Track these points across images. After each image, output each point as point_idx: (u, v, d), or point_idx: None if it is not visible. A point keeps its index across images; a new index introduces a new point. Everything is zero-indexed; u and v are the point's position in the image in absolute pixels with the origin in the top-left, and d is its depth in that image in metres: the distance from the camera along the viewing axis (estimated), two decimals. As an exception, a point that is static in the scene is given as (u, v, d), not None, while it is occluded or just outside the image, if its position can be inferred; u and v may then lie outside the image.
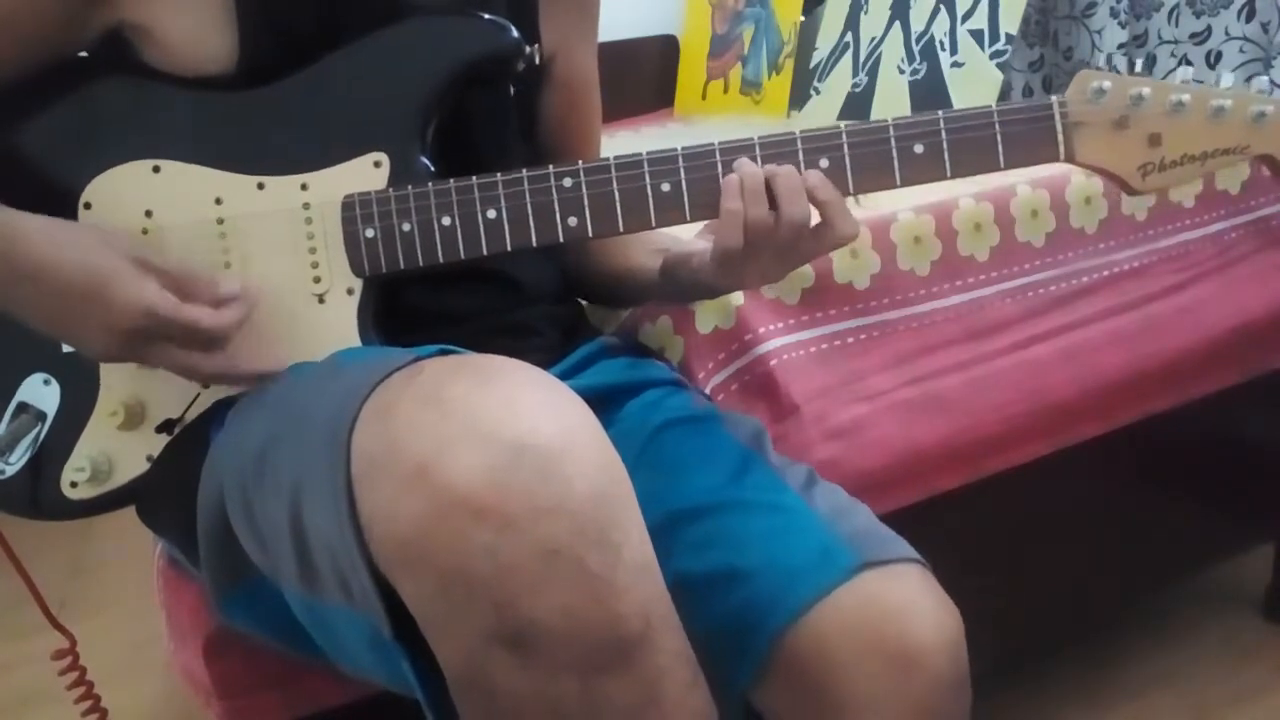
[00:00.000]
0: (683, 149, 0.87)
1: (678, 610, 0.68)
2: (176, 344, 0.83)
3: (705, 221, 0.93)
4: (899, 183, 0.87)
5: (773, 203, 0.84)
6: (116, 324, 0.81)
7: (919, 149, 0.86)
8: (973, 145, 0.87)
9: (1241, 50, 1.73)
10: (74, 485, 0.90)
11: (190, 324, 0.82)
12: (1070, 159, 0.87)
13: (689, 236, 1.04)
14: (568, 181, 0.87)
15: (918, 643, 0.76)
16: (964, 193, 1.22)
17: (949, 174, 0.87)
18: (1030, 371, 1.22)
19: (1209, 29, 1.75)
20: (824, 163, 0.86)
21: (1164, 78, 0.86)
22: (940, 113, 0.87)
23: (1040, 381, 1.22)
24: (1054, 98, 0.87)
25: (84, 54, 0.90)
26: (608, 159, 0.87)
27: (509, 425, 0.63)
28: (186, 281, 0.84)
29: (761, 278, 0.91)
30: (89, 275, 0.81)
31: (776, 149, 0.86)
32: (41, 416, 0.91)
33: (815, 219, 0.86)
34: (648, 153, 0.87)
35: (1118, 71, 0.87)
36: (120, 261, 0.82)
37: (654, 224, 0.88)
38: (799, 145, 0.86)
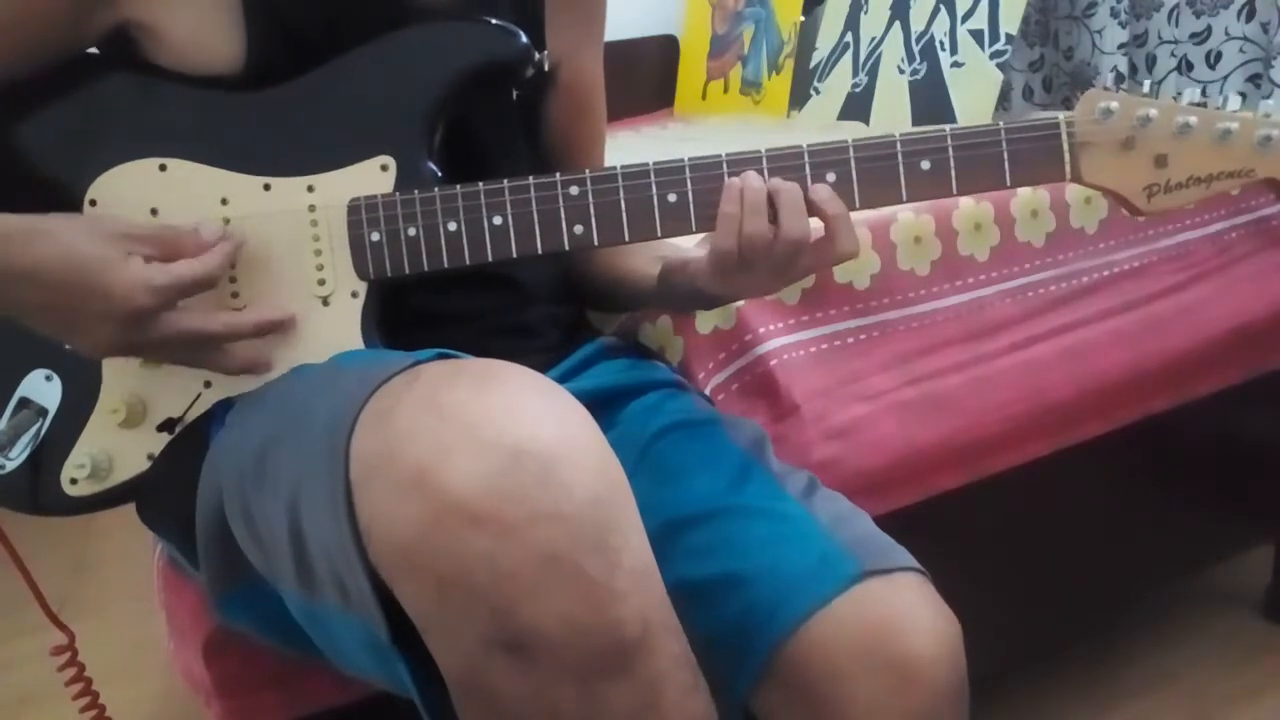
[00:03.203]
0: (690, 159, 0.87)
1: (678, 616, 0.68)
2: (178, 313, 0.82)
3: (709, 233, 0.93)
4: (905, 199, 0.87)
5: (773, 218, 0.84)
6: (117, 310, 0.80)
7: (925, 165, 0.86)
8: (979, 163, 0.86)
9: (1241, 50, 1.73)
10: (74, 482, 0.90)
11: (187, 279, 0.81)
12: (1076, 179, 0.87)
13: (690, 245, 1.04)
14: (574, 190, 0.87)
15: (917, 653, 0.77)
16: (964, 193, 1.22)
17: (955, 191, 0.87)
18: (1030, 371, 1.22)
19: (1209, 29, 1.75)
20: (830, 177, 0.86)
21: (1163, 79, 0.86)
22: (948, 129, 0.87)
23: (1040, 381, 1.22)
24: (1061, 116, 0.87)
25: (91, 51, 0.90)
26: (614, 168, 0.87)
27: (507, 431, 0.63)
28: (169, 239, 0.83)
29: (758, 289, 0.91)
30: (79, 269, 0.80)
31: (783, 162, 0.86)
32: (43, 412, 0.91)
33: (817, 234, 0.86)
34: (654, 163, 0.87)
35: (1120, 74, 0.88)
36: (105, 248, 0.81)
37: (660, 234, 0.88)
38: (806, 159, 0.86)
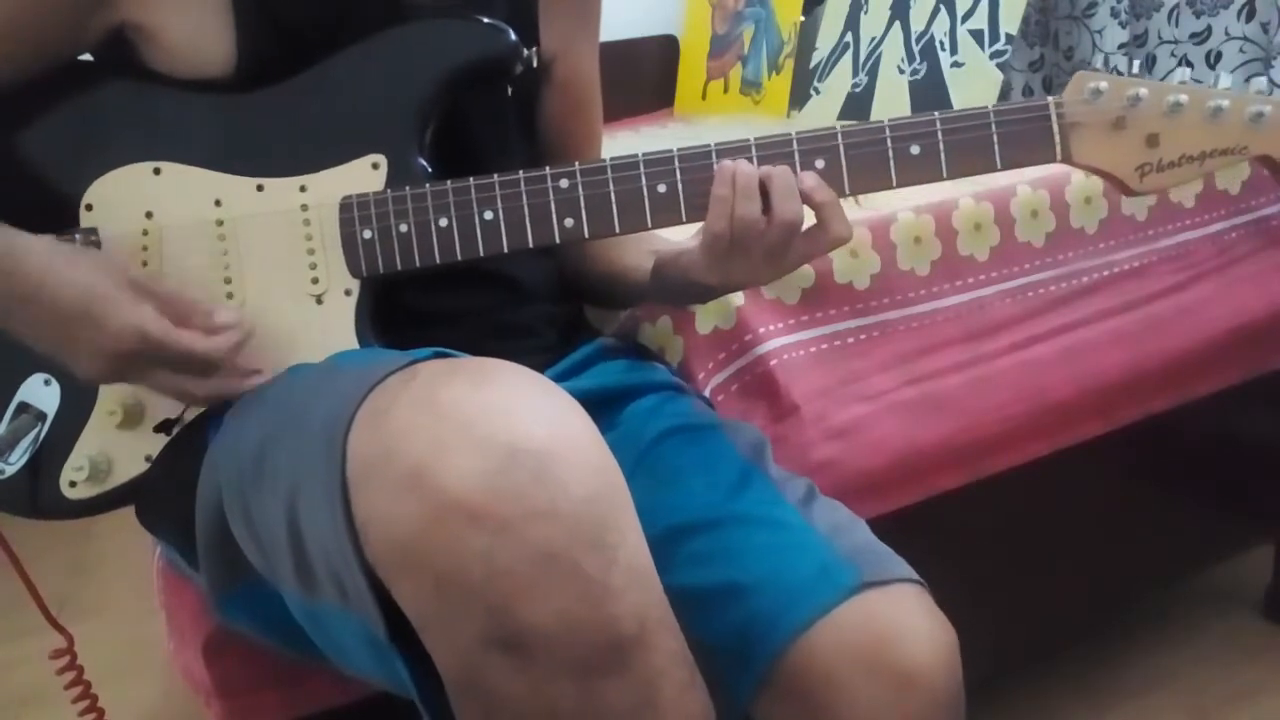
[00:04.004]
0: (679, 150, 0.87)
1: (678, 624, 0.68)
2: (169, 369, 0.84)
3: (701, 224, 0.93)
4: (895, 184, 0.87)
5: (766, 203, 0.84)
6: (108, 346, 0.81)
7: (915, 150, 0.86)
8: (969, 146, 0.86)
9: (1241, 50, 1.73)
10: (73, 485, 0.90)
11: (183, 349, 0.82)
12: (1067, 159, 0.87)
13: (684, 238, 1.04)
14: (564, 183, 0.87)
15: (915, 663, 0.77)
16: (964, 193, 1.22)
17: (945, 175, 0.87)
18: (1030, 371, 1.22)
19: (1209, 29, 1.75)
20: (820, 163, 0.86)
21: (1163, 78, 0.85)
22: (936, 113, 0.87)
23: (1040, 381, 1.22)
24: (1050, 98, 0.87)
25: (86, 57, 0.91)
26: (604, 160, 0.87)
27: (503, 428, 0.63)
28: (183, 308, 0.84)
29: (752, 278, 0.90)
30: (83, 296, 0.81)
31: (772, 150, 0.86)
32: (41, 416, 0.91)
33: (809, 222, 0.86)
34: (644, 154, 0.87)
35: (1118, 72, 0.87)
36: (116, 285, 0.82)
37: (650, 225, 0.88)
38: (795, 146, 0.86)
